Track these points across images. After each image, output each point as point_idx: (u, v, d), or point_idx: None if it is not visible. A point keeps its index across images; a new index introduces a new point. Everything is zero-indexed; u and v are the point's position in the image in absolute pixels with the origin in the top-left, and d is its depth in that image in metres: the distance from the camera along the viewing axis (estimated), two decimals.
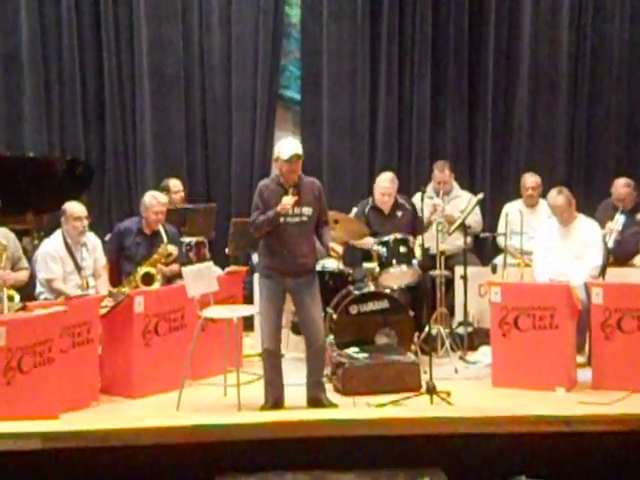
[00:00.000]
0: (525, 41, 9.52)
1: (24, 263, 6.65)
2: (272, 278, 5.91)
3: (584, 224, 7.11)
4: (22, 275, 6.58)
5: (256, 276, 6.64)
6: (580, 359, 6.72)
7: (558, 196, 6.99)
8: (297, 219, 5.84)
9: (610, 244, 7.42)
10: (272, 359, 5.90)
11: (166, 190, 8.20)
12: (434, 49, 9.47)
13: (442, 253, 7.39)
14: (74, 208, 6.84)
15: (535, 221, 7.91)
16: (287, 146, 5.88)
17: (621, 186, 7.92)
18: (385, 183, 7.65)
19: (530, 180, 8.32)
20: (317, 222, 5.98)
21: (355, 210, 7.86)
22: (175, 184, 8.45)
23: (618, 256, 7.57)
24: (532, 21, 9.51)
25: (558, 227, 7.09)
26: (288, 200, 5.73)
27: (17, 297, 6.17)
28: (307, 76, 9.53)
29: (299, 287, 5.91)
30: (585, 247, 6.99)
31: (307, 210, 5.87)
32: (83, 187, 8.37)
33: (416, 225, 7.43)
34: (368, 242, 7.37)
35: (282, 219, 5.79)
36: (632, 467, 2.47)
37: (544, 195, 8.25)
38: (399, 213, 7.67)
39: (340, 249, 6.02)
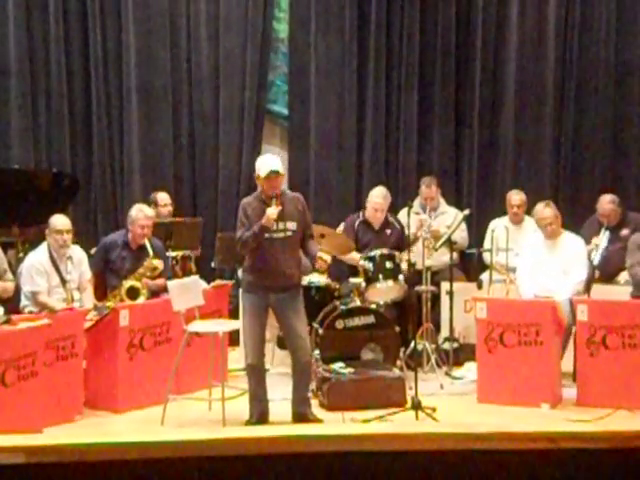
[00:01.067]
0: (511, 57, 9.58)
1: (9, 276, 6.61)
2: (255, 293, 5.91)
3: (569, 239, 7.15)
4: (8, 285, 6.55)
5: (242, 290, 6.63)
6: None
7: (545, 208, 7.04)
8: (282, 234, 5.84)
9: (595, 261, 7.44)
10: (256, 374, 5.89)
11: (153, 203, 8.19)
12: (421, 65, 9.51)
13: (428, 269, 7.42)
14: (56, 221, 6.81)
15: (521, 238, 7.93)
16: (265, 163, 5.88)
17: (606, 202, 7.95)
18: (378, 199, 7.68)
19: (515, 198, 8.33)
20: (302, 236, 5.98)
21: (342, 226, 7.87)
22: (163, 197, 8.43)
23: (603, 273, 7.59)
24: (518, 37, 9.57)
25: (544, 241, 7.12)
26: (272, 211, 5.72)
27: (1, 310, 6.14)
28: (295, 91, 9.55)
29: (282, 302, 5.90)
30: (570, 262, 7.02)
31: (291, 225, 5.87)
32: (69, 200, 8.34)
33: (402, 246, 7.45)
34: (354, 258, 7.38)
35: (267, 235, 5.79)
36: None
37: (529, 212, 8.28)
38: (388, 231, 7.70)
39: (328, 258, 6.01)
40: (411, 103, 9.52)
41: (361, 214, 7.80)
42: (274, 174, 5.77)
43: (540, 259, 7.09)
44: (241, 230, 5.85)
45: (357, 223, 7.73)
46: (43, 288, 6.70)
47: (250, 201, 5.96)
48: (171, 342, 6.54)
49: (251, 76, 9.27)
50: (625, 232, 7.73)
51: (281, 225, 5.83)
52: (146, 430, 5.82)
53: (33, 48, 9.00)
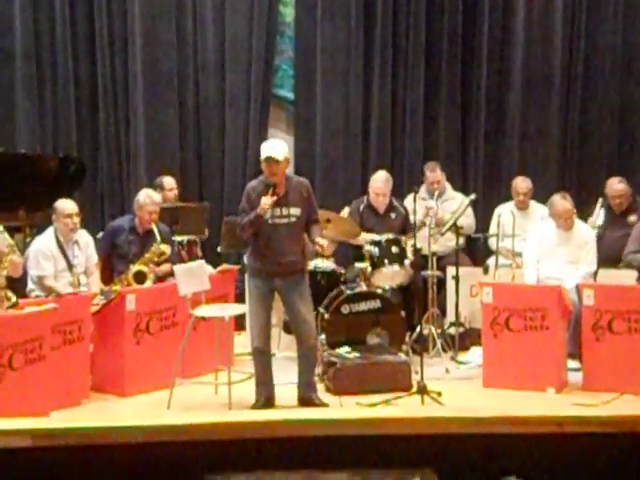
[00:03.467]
0: (518, 43, 9.53)
1: (17, 254, 6.59)
2: (260, 278, 5.92)
3: (581, 229, 7.13)
4: (17, 259, 6.52)
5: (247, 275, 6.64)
6: (575, 364, 6.71)
7: (565, 201, 6.99)
8: (285, 220, 5.84)
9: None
10: (262, 358, 5.91)
11: (160, 187, 8.20)
12: (427, 50, 9.47)
13: (434, 254, 7.41)
14: (65, 205, 6.82)
15: (527, 223, 7.93)
16: (265, 148, 5.86)
17: (616, 183, 7.85)
18: (378, 183, 7.67)
19: (521, 185, 8.30)
20: (307, 221, 5.98)
21: (347, 210, 7.87)
22: (169, 182, 8.44)
23: (609, 259, 7.52)
24: (525, 21, 9.52)
25: (556, 231, 7.09)
26: (266, 200, 5.72)
27: (14, 298, 6.12)
28: (301, 75, 9.53)
29: (288, 287, 5.91)
30: (580, 252, 7.00)
31: (295, 210, 5.87)
32: (76, 185, 8.35)
33: (407, 230, 7.45)
34: (365, 239, 7.36)
35: (270, 220, 5.79)
36: (622, 469, 2.47)
37: (535, 198, 8.27)
38: (392, 215, 7.70)
39: (325, 243, 6.00)
40: (417, 87, 9.48)
41: (365, 199, 7.79)
42: (271, 160, 5.75)
43: (550, 248, 7.06)
44: (241, 216, 5.87)
45: (362, 207, 7.73)
46: (49, 272, 6.71)
47: (255, 185, 5.96)
48: (177, 326, 6.56)
49: (257, 60, 9.24)
50: (633, 218, 7.68)
51: (285, 211, 5.83)
52: (152, 414, 5.83)
53: (39, 31, 8.97)
